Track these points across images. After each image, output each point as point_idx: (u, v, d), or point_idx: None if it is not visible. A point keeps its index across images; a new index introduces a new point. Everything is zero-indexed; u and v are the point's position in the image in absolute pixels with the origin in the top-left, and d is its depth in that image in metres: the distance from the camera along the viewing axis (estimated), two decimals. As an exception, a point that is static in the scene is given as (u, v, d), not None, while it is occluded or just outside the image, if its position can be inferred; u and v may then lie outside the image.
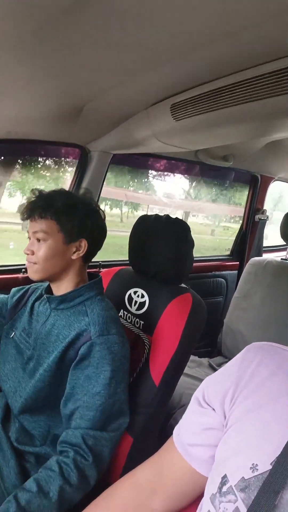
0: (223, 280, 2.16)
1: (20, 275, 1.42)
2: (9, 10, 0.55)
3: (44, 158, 1.90)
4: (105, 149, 1.45)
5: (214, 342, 1.93)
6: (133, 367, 0.99)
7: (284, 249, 2.60)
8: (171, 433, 0.59)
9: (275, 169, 2.12)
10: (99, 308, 0.89)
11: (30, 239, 0.91)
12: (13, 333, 0.99)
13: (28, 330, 0.96)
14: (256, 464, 0.42)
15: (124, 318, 1.11)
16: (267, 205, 2.27)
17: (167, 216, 1.10)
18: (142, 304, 1.08)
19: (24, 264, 1.42)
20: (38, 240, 0.88)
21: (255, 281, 1.74)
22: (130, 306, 1.11)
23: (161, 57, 0.76)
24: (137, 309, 1.09)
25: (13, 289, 1.06)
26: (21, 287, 1.06)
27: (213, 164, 1.79)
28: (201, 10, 0.57)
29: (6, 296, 1.05)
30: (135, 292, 1.11)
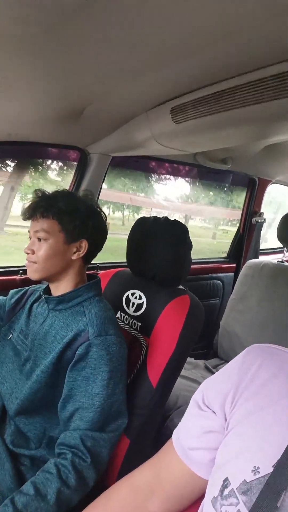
0: (219, 282, 2.17)
1: (18, 277, 1.42)
2: (13, 14, 0.55)
3: (46, 160, 1.91)
4: (105, 152, 1.45)
5: (210, 344, 1.94)
6: (131, 369, 0.99)
7: (281, 252, 2.61)
8: (168, 435, 0.59)
9: (273, 172, 2.14)
10: (97, 309, 0.89)
11: (31, 238, 0.91)
12: (11, 335, 0.99)
13: (26, 332, 0.96)
14: (258, 467, 0.42)
15: (122, 319, 1.11)
16: (271, 208, 2.28)
17: (166, 218, 1.11)
18: (139, 306, 1.08)
19: (21, 266, 1.43)
20: (39, 239, 0.88)
21: (252, 284, 1.75)
22: (128, 307, 1.11)
23: (161, 60, 0.77)
24: (135, 311, 1.09)
25: (11, 291, 1.06)
26: (19, 289, 1.06)
27: (212, 167, 1.80)
28: (201, 13, 0.57)
29: (4, 298, 1.05)
30: (132, 294, 1.11)
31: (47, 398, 0.88)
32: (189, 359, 1.74)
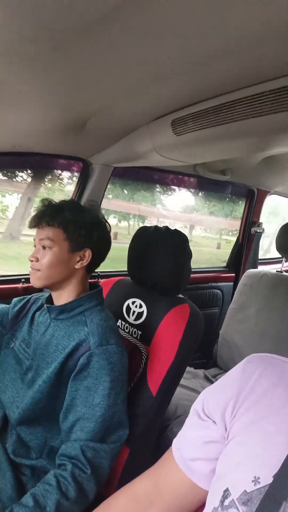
0: (219, 291, 2.17)
1: (20, 285, 1.42)
2: (23, 34, 0.58)
3: (58, 172, 1.95)
4: (106, 162, 1.47)
5: (210, 353, 1.93)
6: (131, 377, 0.99)
7: (279, 262, 2.63)
8: (167, 444, 0.59)
9: (271, 183, 2.16)
10: (99, 318, 0.89)
11: (35, 246, 0.92)
12: (13, 343, 0.99)
13: (28, 340, 0.96)
14: (258, 477, 0.42)
15: (122, 328, 1.12)
16: (276, 219, 2.29)
17: (166, 228, 1.12)
18: (140, 314, 1.09)
19: (24, 275, 1.44)
20: (44, 247, 0.89)
21: (251, 293, 1.76)
22: (128, 316, 1.11)
23: (163, 75, 0.79)
24: (135, 319, 1.09)
25: (14, 299, 1.06)
26: (22, 297, 1.07)
27: (211, 178, 1.83)
28: (203, 30, 0.59)
29: (7, 306, 1.05)
30: (133, 302, 1.12)
31: (49, 408, 0.87)
32: (188, 369, 1.73)
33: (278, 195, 2.35)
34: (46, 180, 2.04)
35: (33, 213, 0.94)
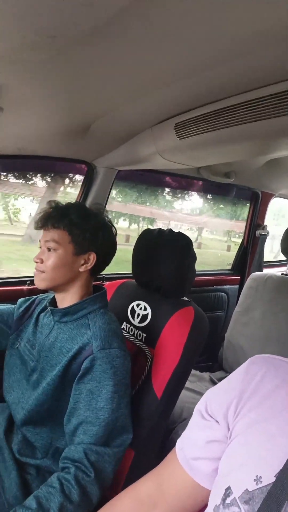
0: (224, 294, 2.17)
1: (25, 287, 1.44)
2: (25, 41, 0.59)
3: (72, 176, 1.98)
4: (111, 165, 1.49)
5: (215, 356, 1.92)
6: (136, 380, 0.99)
7: (285, 265, 2.61)
8: (173, 447, 0.59)
9: (276, 186, 2.16)
10: (102, 322, 0.89)
11: (41, 248, 0.93)
12: (18, 344, 0.99)
13: (32, 342, 0.96)
14: (260, 477, 0.42)
15: (127, 330, 1.12)
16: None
17: (170, 230, 1.13)
18: (144, 317, 1.09)
19: (29, 277, 1.45)
20: (49, 249, 0.90)
21: (256, 296, 1.75)
22: (133, 318, 1.12)
23: (166, 79, 0.79)
24: (140, 322, 1.10)
25: (20, 300, 1.07)
26: (27, 298, 1.07)
27: (215, 181, 1.83)
28: (205, 34, 0.59)
29: (13, 306, 1.06)
30: (138, 305, 1.12)
31: (54, 410, 0.88)
32: (194, 372, 1.73)
33: (282, 198, 2.34)
34: (65, 184, 2.07)
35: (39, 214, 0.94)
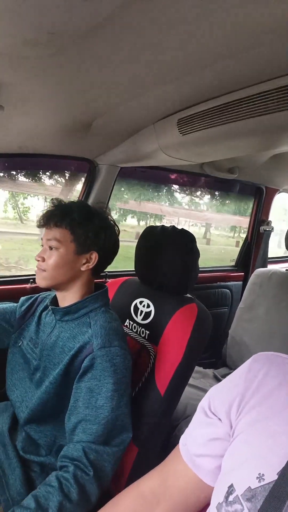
0: (228, 290, 2.16)
1: (28, 286, 1.44)
2: (25, 37, 0.58)
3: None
4: (113, 163, 1.48)
5: (219, 353, 1.92)
6: (139, 377, 0.99)
7: (289, 261, 2.60)
8: (176, 444, 0.59)
9: (280, 181, 2.14)
10: (103, 320, 0.89)
11: (43, 246, 0.92)
12: (21, 342, 1.00)
13: (35, 340, 0.97)
14: (263, 474, 0.42)
15: (130, 328, 1.12)
16: None
17: (173, 227, 1.12)
18: (147, 314, 1.09)
19: (32, 275, 1.45)
20: (51, 248, 0.90)
21: (260, 292, 1.75)
22: (136, 316, 1.12)
23: (168, 75, 0.79)
24: (143, 319, 1.10)
25: (22, 298, 1.07)
26: (29, 296, 1.08)
27: (218, 177, 1.82)
28: (206, 29, 0.59)
29: (15, 304, 1.06)
30: (141, 302, 1.12)
31: (57, 408, 0.88)
32: (197, 368, 1.73)
33: (287, 192, 2.32)
34: (79, 183, 2.08)
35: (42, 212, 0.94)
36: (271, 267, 2.05)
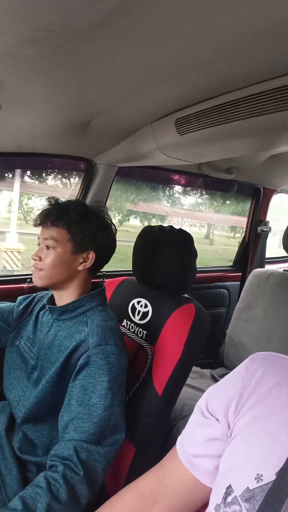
0: (225, 291, 2.16)
1: (25, 285, 1.44)
2: (22, 36, 0.58)
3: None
4: (111, 162, 1.48)
5: (217, 353, 1.93)
6: (136, 377, 0.99)
7: (287, 261, 2.61)
8: (174, 444, 0.59)
9: (278, 182, 2.15)
10: (99, 319, 0.88)
11: (39, 245, 0.92)
12: (18, 342, 1.00)
13: (33, 339, 0.96)
14: (261, 475, 0.42)
15: (128, 328, 1.12)
16: None
17: (171, 227, 1.12)
18: (145, 314, 1.09)
19: (29, 275, 1.45)
20: (48, 247, 0.89)
21: (258, 292, 1.75)
22: (134, 316, 1.12)
23: (166, 74, 0.79)
24: (140, 319, 1.09)
25: (19, 298, 1.07)
26: (27, 295, 1.07)
27: (216, 177, 1.82)
28: (204, 30, 0.59)
29: (13, 304, 1.06)
30: (138, 302, 1.12)
31: (53, 407, 0.87)
32: (195, 368, 1.73)
33: (285, 193, 2.33)
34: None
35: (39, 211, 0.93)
36: (268, 267, 2.06)
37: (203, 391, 1.50)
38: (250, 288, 1.79)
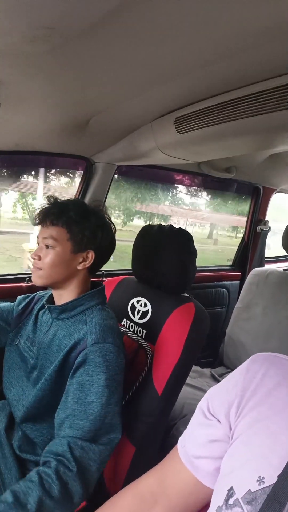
0: (225, 290, 2.17)
1: (24, 284, 1.44)
2: (22, 34, 0.58)
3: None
4: (110, 161, 1.48)
5: (216, 352, 1.93)
6: (136, 376, 0.99)
7: (286, 260, 2.61)
8: (174, 443, 0.59)
9: (277, 181, 2.15)
10: (98, 318, 0.88)
11: (39, 244, 0.92)
12: (18, 341, 0.99)
13: (32, 339, 0.96)
14: (263, 477, 0.42)
15: (127, 327, 1.12)
16: None
17: (170, 226, 1.12)
18: (145, 313, 1.09)
19: (28, 274, 1.45)
20: (47, 246, 0.89)
21: (257, 292, 1.75)
22: (133, 315, 1.12)
23: (166, 74, 0.79)
24: (140, 318, 1.09)
25: (19, 297, 1.07)
26: (27, 295, 1.07)
27: (216, 176, 1.82)
28: (205, 29, 0.59)
29: (12, 303, 1.06)
30: (138, 301, 1.12)
31: (52, 405, 0.87)
32: (195, 367, 1.73)
33: (284, 192, 2.33)
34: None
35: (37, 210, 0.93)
36: (268, 266, 2.06)
37: (202, 390, 1.50)
38: (249, 288, 1.80)
